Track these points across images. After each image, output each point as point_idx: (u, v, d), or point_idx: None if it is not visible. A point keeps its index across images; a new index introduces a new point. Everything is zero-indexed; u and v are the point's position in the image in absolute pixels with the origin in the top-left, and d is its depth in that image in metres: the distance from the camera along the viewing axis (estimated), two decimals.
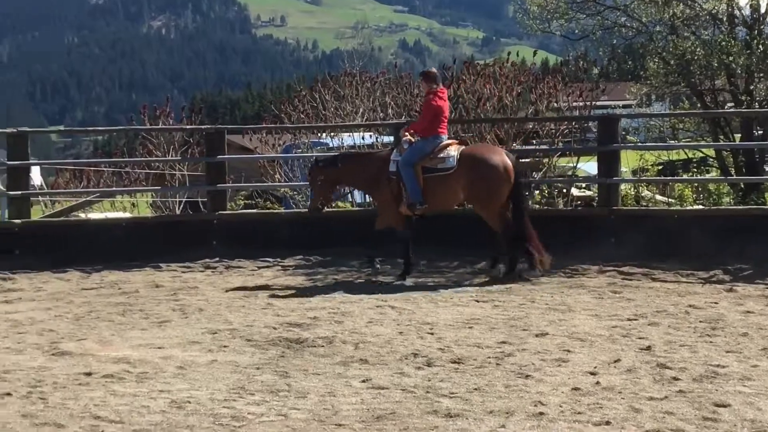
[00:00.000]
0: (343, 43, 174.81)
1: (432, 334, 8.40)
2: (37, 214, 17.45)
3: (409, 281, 11.60)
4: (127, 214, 19.42)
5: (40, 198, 20.07)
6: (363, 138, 18.05)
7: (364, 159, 12.71)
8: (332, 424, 5.77)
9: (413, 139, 11.93)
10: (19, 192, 13.75)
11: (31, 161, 14.45)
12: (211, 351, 7.87)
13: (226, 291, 11.16)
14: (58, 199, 20.74)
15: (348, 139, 17.95)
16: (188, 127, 18.12)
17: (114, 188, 20.20)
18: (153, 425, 5.73)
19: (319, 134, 18.42)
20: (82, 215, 17.81)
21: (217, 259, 13.37)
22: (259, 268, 13.00)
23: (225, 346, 8.03)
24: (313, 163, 12.77)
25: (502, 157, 11.68)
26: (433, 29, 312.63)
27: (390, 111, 16.72)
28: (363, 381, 6.78)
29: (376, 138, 17.84)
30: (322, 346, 7.97)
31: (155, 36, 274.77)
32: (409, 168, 11.70)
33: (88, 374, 7.00)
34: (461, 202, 12.52)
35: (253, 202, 18.45)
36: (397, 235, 11.99)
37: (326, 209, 12.90)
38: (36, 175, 18.57)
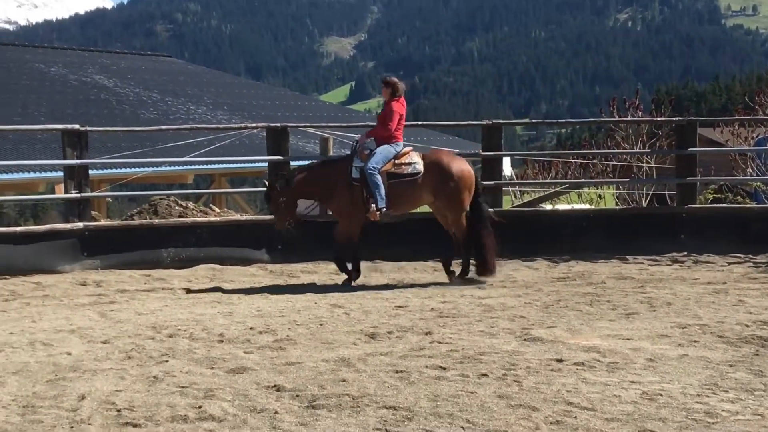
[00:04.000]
0: None
1: None
2: (507, 204, 18.06)
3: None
4: (588, 206, 19.57)
5: (510, 188, 20.75)
6: None
7: (317, 170, 12.19)
8: None
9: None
10: (493, 182, 14.29)
11: (503, 152, 14.95)
12: (681, 345, 7.72)
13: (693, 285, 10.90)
14: (526, 189, 21.34)
15: None
16: (658, 119, 17.91)
17: (581, 179, 20.43)
18: (624, 415, 5.72)
19: None
20: (549, 206, 18.20)
21: (685, 253, 13.15)
22: (729, 264, 12.59)
23: (695, 341, 7.85)
24: (268, 191, 12.16)
25: (466, 164, 12.10)
26: None
27: None
28: None
29: None
30: None
31: (620, 29, 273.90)
32: (376, 174, 11.66)
33: (559, 361, 7.13)
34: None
35: (722, 196, 17.89)
36: (341, 244, 11.98)
37: None
38: (507, 166, 19.21)
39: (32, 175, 20.51)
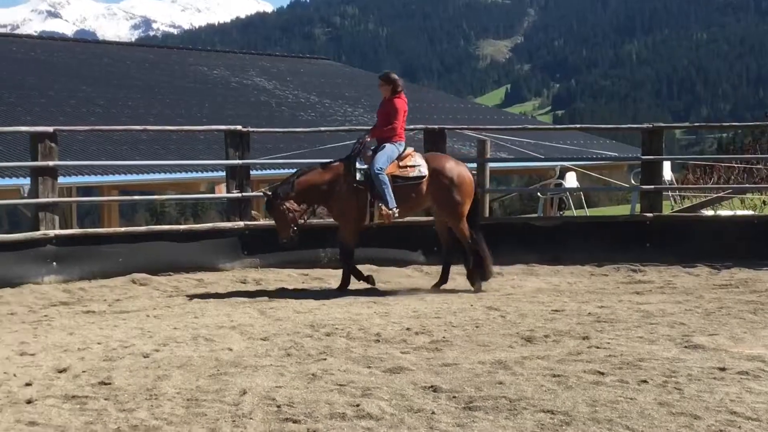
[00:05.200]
0: None
1: None
2: (666, 209, 17.69)
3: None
4: (752, 212, 18.97)
5: (670, 193, 20.32)
6: None
7: (320, 173, 11.59)
8: None
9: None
10: (652, 186, 14.02)
11: (664, 156, 14.65)
12: None
13: None
14: (687, 194, 20.84)
15: None
16: None
17: (745, 185, 19.83)
18: None
19: None
20: (710, 212, 17.72)
21: None
22: None
23: None
24: (270, 198, 11.54)
25: (467, 170, 11.90)
26: None
27: None
28: None
29: None
30: None
31: None
32: (384, 175, 11.30)
33: (722, 369, 6.93)
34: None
35: None
36: (346, 248, 11.66)
37: None
38: (667, 171, 18.83)
39: (194, 174, 21.06)
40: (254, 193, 13.70)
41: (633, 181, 18.73)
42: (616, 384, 6.51)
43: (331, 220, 12.24)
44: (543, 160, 21.72)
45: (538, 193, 22.53)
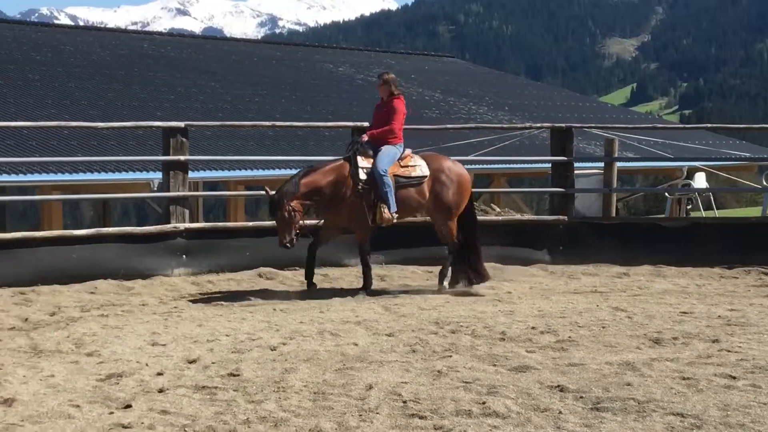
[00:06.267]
0: None
1: None
2: None
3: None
4: None
5: None
6: None
7: (323, 174, 11.11)
8: None
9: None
10: None
11: None
12: None
13: None
14: None
15: None
16: None
17: None
18: None
19: None
20: None
21: None
22: None
23: None
24: (277, 199, 10.87)
25: (464, 169, 11.75)
26: None
27: None
28: None
29: None
30: None
31: None
32: (387, 177, 11.05)
33: None
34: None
35: None
36: (363, 248, 11.39)
37: None
38: None
39: None
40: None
41: (765, 182, 18.23)
42: (749, 388, 6.34)
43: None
44: (672, 160, 21.29)
45: (666, 194, 22.11)
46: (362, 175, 11.11)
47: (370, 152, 11.27)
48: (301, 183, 10.93)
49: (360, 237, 11.42)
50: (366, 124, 13.58)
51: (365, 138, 11.31)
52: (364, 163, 11.19)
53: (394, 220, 11.23)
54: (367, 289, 11.19)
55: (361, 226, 11.30)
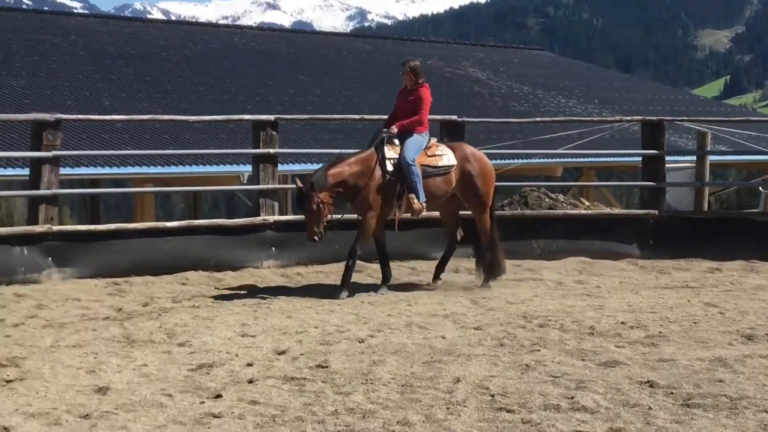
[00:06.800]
0: None
1: None
2: None
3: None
4: None
5: None
6: None
7: (350, 164, 10.75)
8: None
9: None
10: None
11: None
12: None
13: None
14: None
15: None
16: None
17: None
18: None
19: None
20: None
21: None
22: None
23: None
24: (307, 189, 10.51)
25: (485, 156, 11.55)
26: None
27: None
28: None
29: None
30: None
31: None
32: (416, 167, 10.73)
33: None
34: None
35: None
36: (379, 243, 11.18)
37: None
38: None
39: None
40: None
41: None
42: None
43: (540, 210, 12.08)
44: (766, 153, 20.87)
45: (760, 188, 21.67)
46: (389, 167, 10.82)
47: (396, 142, 11.01)
48: (328, 174, 10.65)
49: (373, 230, 11.03)
50: (454, 117, 13.61)
51: (395, 129, 10.97)
52: (390, 153, 10.92)
53: (424, 211, 11.01)
54: (342, 289, 10.68)
55: (376, 220, 10.97)
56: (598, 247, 13.30)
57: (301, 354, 7.43)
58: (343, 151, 11.71)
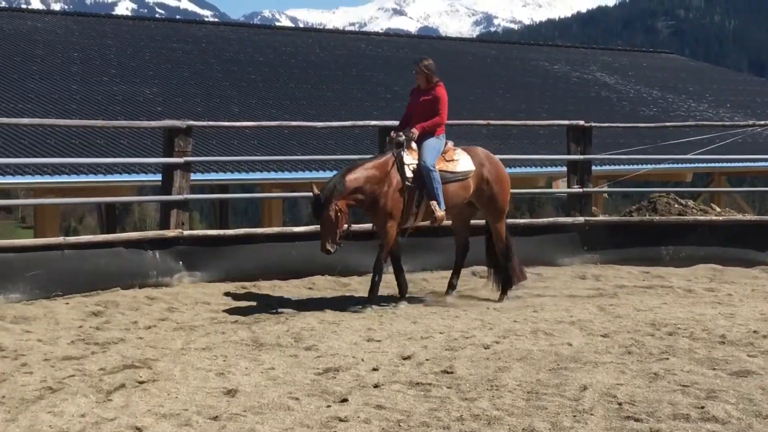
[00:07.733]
0: None
1: None
2: None
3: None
4: None
5: None
6: None
7: (366, 170, 10.00)
8: None
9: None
10: None
11: None
12: None
13: None
14: None
15: None
16: None
17: None
18: None
19: None
20: None
21: None
22: None
23: None
24: (323, 199, 9.82)
25: (499, 161, 11.07)
26: None
27: None
28: None
29: None
30: None
31: None
32: (436, 173, 10.17)
33: None
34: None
35: None
36: (395, 253, 10.61)
37: None
38: None
39: (533, 169, 21.13)
40: (595, 189, 13.59)
41: None
42: None
43: (670, 216, 11.83)
44: None
45: None
46: (408, 172, 10.22)
47: (414, 146, 10.38)
48: (346, 179, 10.00)
49: (387, 242, 10.38)
50: (581, 122, 13.46)
51: (416, 132, 10.32)
52: (408, 158, 10.30)
53: (445, 219, 10.54)
54: (371, 300, 10.28)
55: (394, 229, 10.39)
56: (730, 254, 13.00)
57: (427, 359, 7.45)
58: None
